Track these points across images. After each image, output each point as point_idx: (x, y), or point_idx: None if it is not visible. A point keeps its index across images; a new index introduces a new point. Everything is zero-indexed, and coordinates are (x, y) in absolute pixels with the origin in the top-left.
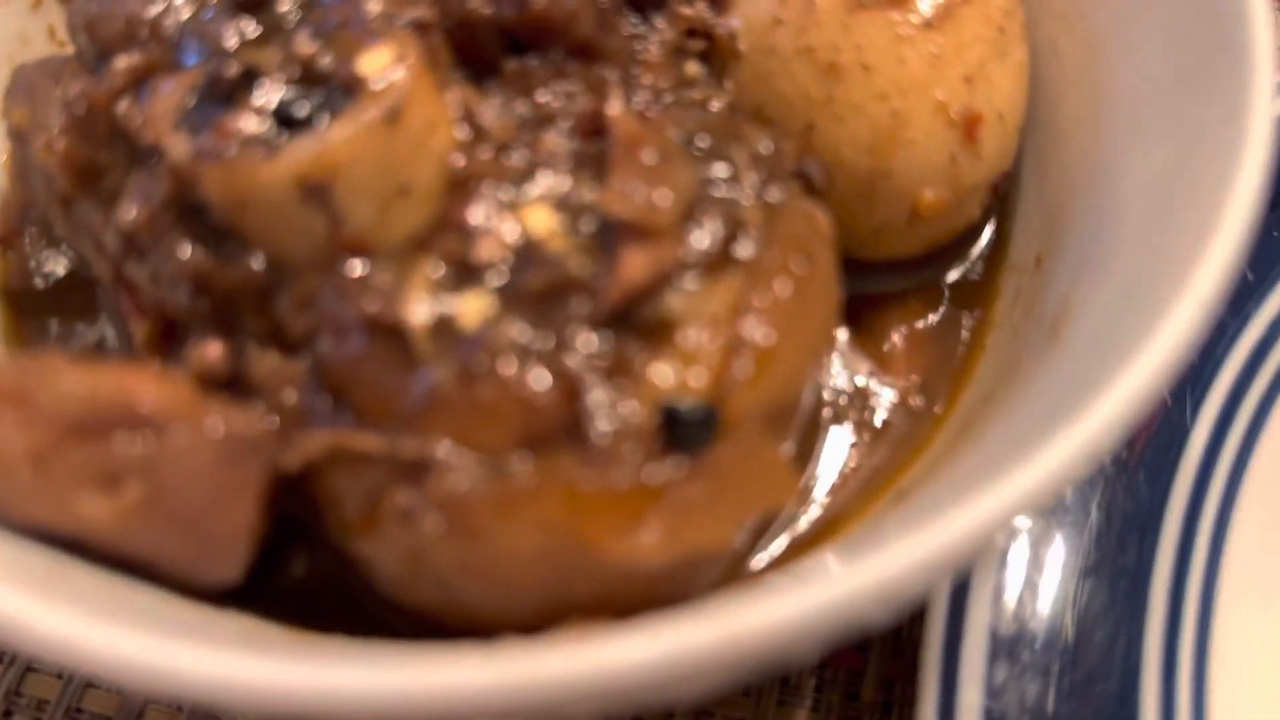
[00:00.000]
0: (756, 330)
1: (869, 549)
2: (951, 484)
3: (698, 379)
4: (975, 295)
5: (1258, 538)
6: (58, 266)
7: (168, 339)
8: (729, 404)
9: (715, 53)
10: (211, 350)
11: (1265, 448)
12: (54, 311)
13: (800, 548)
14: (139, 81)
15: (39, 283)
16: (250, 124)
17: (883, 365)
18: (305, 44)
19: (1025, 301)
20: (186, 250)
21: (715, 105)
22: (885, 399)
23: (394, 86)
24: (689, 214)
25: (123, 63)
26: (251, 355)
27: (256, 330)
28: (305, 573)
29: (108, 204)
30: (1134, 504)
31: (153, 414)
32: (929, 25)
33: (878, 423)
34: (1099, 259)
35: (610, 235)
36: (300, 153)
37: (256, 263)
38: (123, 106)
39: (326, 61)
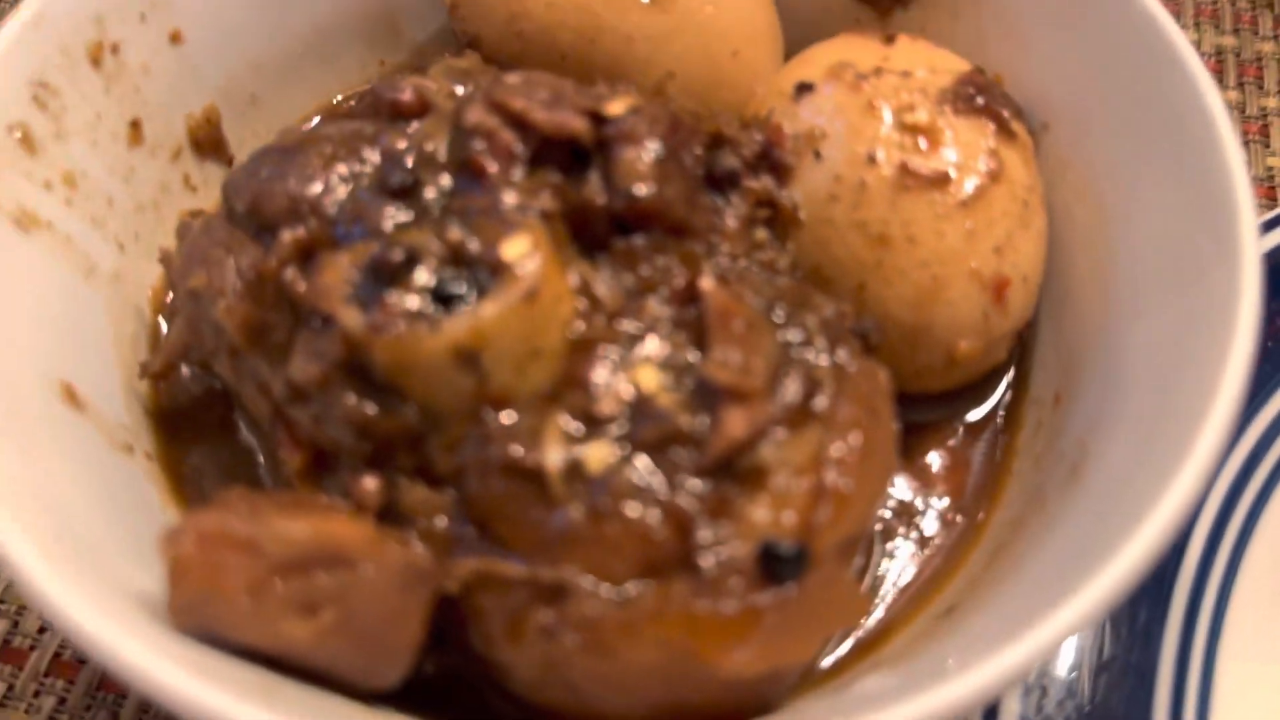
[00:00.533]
0: (836, 477)
1: (932, 676)
2: (1000, 612)
3: (789, 519)
4: (1002, 425)
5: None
6: (199, 394)
7: (318, 467)
8: (816, 542)
9: (778, 220)
10: (368, 484)
11: (1258, 547)
12: (194, 430)
13: (860, 652)
14: (302, 253)
15: (181, 406)
16: (412, 301)
17: (924, 485)
18: (455, 231)
19: (1046, 435)
20: (351, 401)
21: (782, 265)
22: (927, 516)
23: (532, 270)
24: (775, 375)
25: (288, 237)
26: (402, 487)
27: (406, 466)
28: (435, 670)
29: (273, 356)
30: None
31: (347, 552)
32: (964, 205)
33: (921, 538)
34: (1112, 412)
35: (710, 395)
36: (458, 327)
37: (412, 413)
38: (288, 275)
39: (473, 246)
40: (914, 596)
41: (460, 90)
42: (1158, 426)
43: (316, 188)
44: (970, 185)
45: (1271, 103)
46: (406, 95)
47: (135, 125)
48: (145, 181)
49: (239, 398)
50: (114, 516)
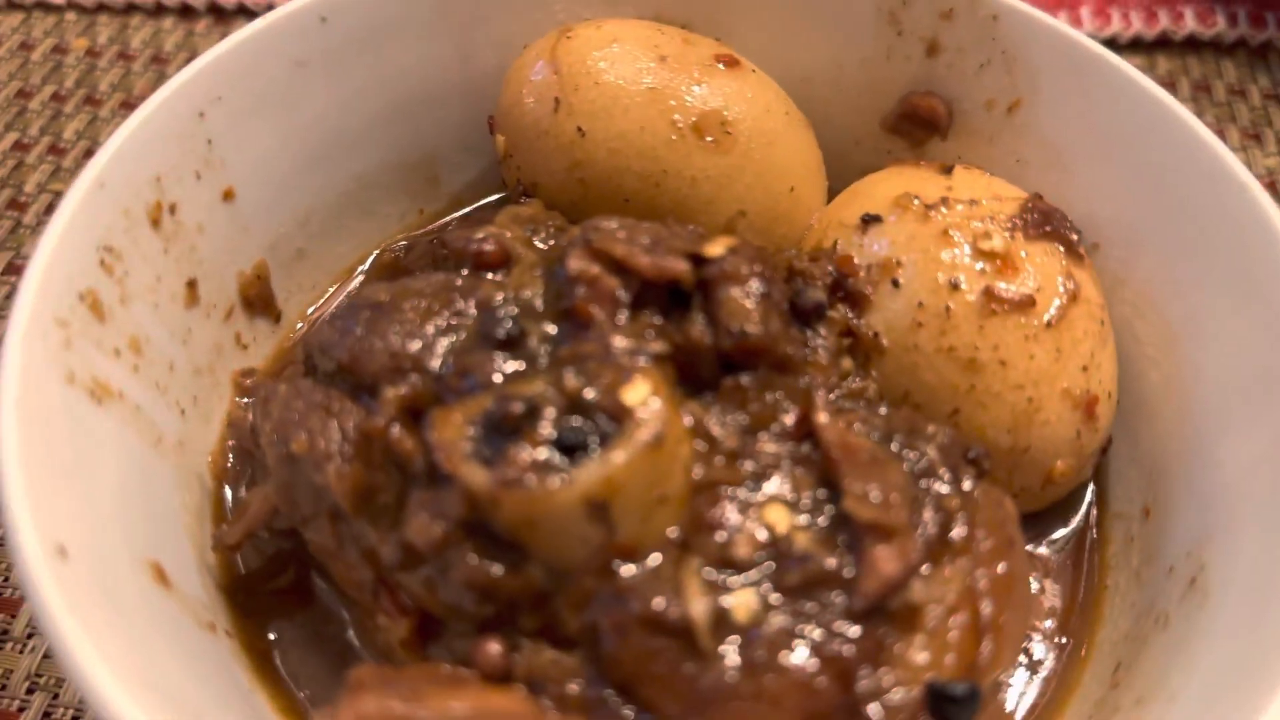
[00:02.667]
0: (991, 610)
1: None
2: None
3: (951, 660)
4: (1092, 543)
5: None
6: (269, 561)
7: (423, 634)
8: (982, 679)
9: (859, 349)
10: (492, 649)
11: None
12: (270, 601)
13: None
14: (406, 410)
15: (254, 576)
16: (537, 453)
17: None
18: (572, 379)
19: (1141, 548)
20: (474, 562)
21: (871, 394)
22: (1033, 641)
23: (656, 414)
24: (911, 508)
25: (391, 394)
26: (527, 650)
27: (528, 627)
28: None
29: (380, 519)
30: None
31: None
32: (1049, 326)
33: (1031, 663)
34: (1221, 525)
35: (850, 532)
36: (590, 476)
37: (537, 571)
38: (395, 433)
39: (592, 394)
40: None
41: (534, 238)
42: None
43: (417, 343)
44: (1054, 307)
45: None
46: (489, 245)
47: (191, 285)
48: (201, 342)
49: (329, 565)
50: (212, 698)
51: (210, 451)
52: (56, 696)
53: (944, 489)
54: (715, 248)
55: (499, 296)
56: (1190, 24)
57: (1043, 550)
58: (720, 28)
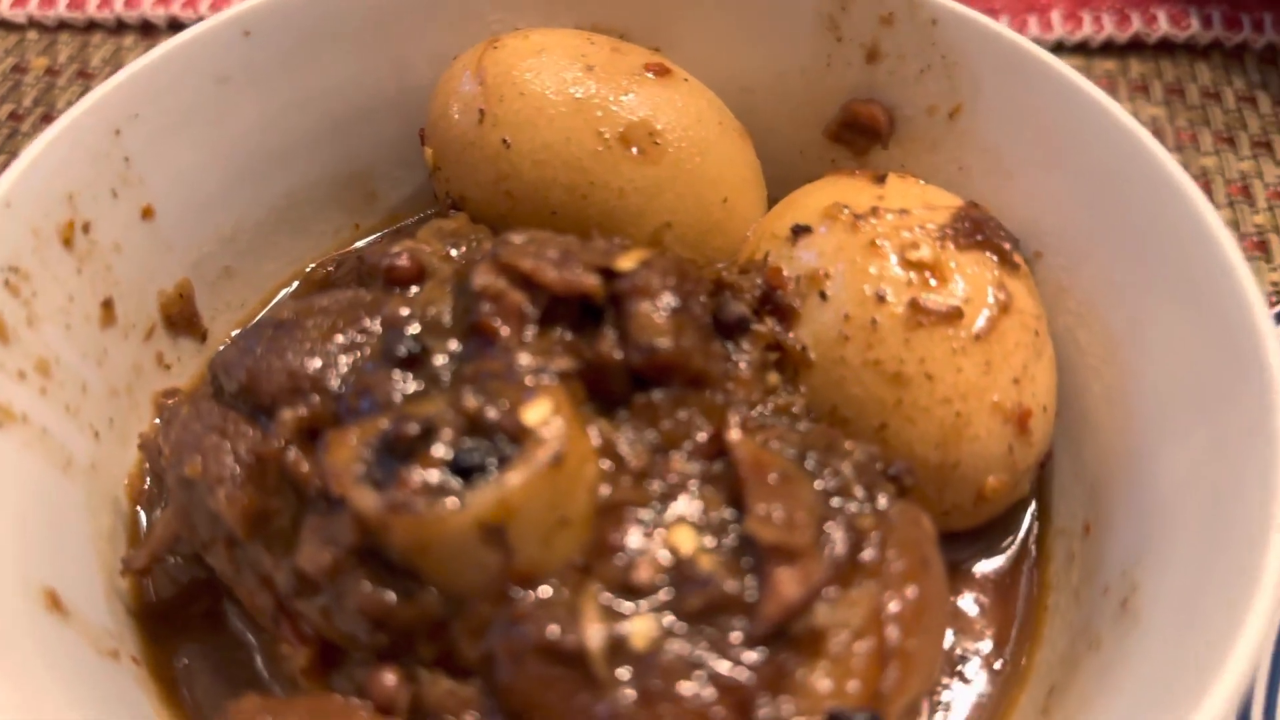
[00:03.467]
0: (899, 637)
1: None
2: None
3: (855, 687)
4: (1032, 560)
5: None
6: (183, 587)
7: (325, 663)
8: (886, 708)
9: (787, 363)
10: (388, 679)
11: None
12: (181, 627)
13: None
14: (303, 432)
15: (166, 603)
16: (431, 475)
17: (960, 629)
18: (471, 399)
19: (1081, 566)
20: (367, 589)
21: (797, 408)
22: (969, 662)
23: (556, 434)
24: (819, 528)
25: (289, 416)
26: (424, 681)
27: (426, 656)
28: None
29: (276, 545)
30: None
31: None
32: (978, 338)
33: (965, 685)
34: (1156, 543)
35: (755, 555)
36: (484, 499)
37: (432, 598)
38: (290, 456)
39: (492, 414)
40: None
41: (454, 252)
42: (1216, 559)
43: (317, 362)
44: (983, 318)
45: (1263, 219)
46: (403, 261)
47: (108, 305)
48: (118, 363)
49: (234, 591)
50: None
51: (128, 474)
52: None
53: (856, 508)
54: (626, 261)
55: (404, 313)
56: (1164, 26)
57: (983, 567)
58: (659, 37)
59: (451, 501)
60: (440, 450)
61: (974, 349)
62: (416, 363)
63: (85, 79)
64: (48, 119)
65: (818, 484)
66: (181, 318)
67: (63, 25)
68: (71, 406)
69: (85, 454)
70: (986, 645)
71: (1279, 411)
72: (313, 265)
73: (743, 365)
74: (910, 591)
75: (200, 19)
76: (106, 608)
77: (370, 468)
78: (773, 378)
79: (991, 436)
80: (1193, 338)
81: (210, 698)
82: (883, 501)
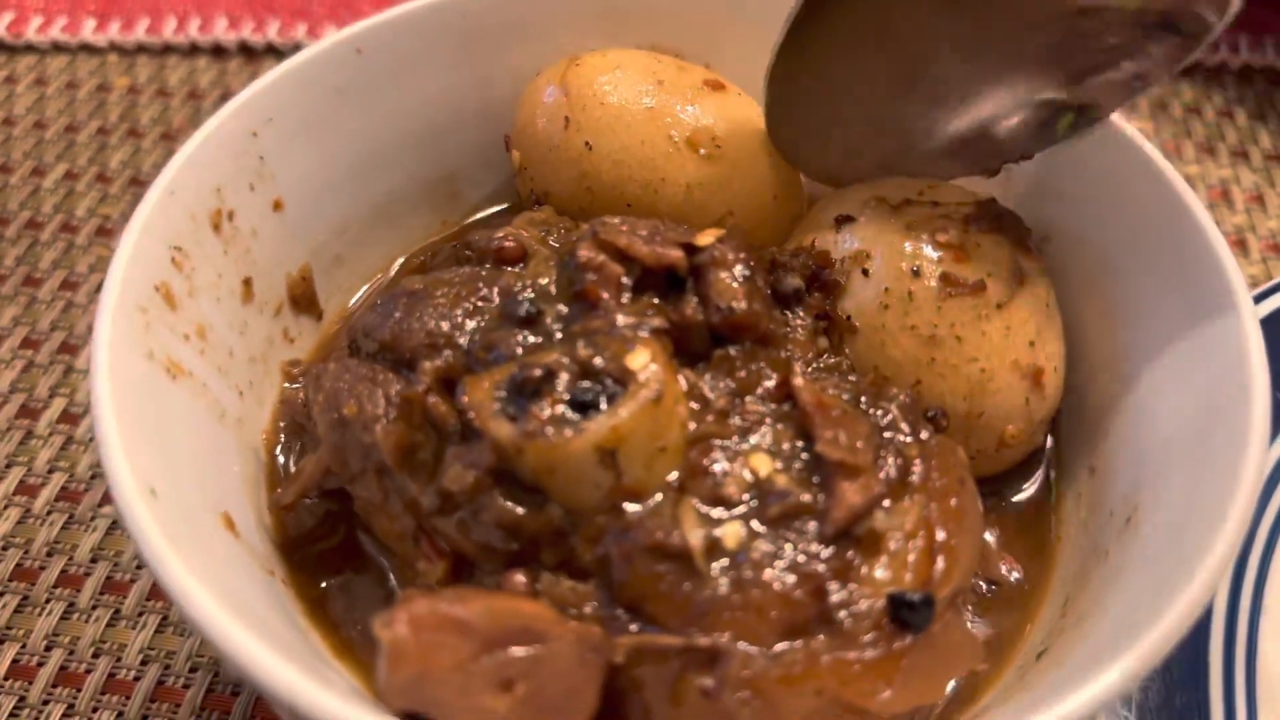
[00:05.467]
0: (944, 536)
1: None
2: (1087, 650)
3: (910, 576)
4: (1050, 502)
5: None
6: (317, 524)
7: (455, 575)
8: (936, 592)
9: (834, 329)
10: (518, 579)
11: None
12: (319, 557)
13: (964, 702)
14: (440, 380)
15: (304, 536)
16: (555, 410)
17: (987, 559)
18: (583, 348)
19: (1087, 503)
20: (501, 504)
21: (845, 367)
22: (1000, 585)
23: (655, 376)
24: (875, 453)
25: (429, 366)
26: (547, 582)
27: (549, 562)
28: None
29: (420, 473)
30: None
31: (538, 627)
32: (999, 307)
33: (998, 601)
34: (1153, 470)
35: (824, 472)
36: (600, 428)
37: (556, 511)
38: (432, 399)
39: (600, 361)
40: (1004, 647)
41: (548, 237)
42: (1201, 475)
43: (447, 323)
44: (1003, 290)
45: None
46: (509, 242)
47: (247, 283)
48: (256, 334)
49: (372, 519)
50: (279, 625)
51: (264, 430)
52: (169, 667)
53: (904, 438)
54: (706, 237)
55: (519, 284)
56: None
57: (1006, 508)
58: (709, 56)
59: (574, 429)
60: (561, 390)
61: (996, 316)
62: (534, 322)
63: (164, 97)
64: (133, 134)
65: (871, 420)
66: (303, 298)
67: (140, 49)
68: (222, 368)
69: (234, 408)
70: (1011, 572)
71: (1251, 361)
72: (408, 255)
73: (799, 330)
74: (951, 502)
75: (269, 42)
76: (259, 538)
77: (504, 404)
78: (823, 342)
79: (1011, 390)
80: (1178, 307)
81: (350, 615)
82: (924, 434)
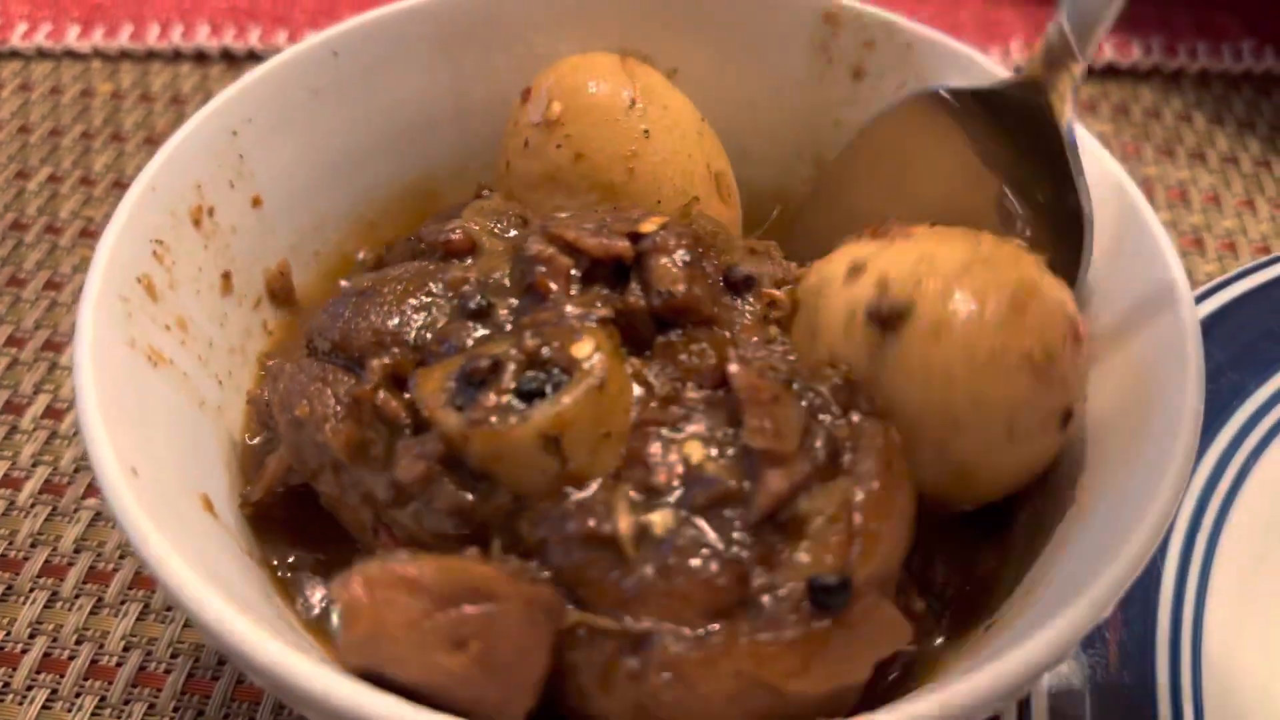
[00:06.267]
0: (864, 521)
1: (974, 668)
2: (1030, 618)
3: (829, 559)
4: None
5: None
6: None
7: None
8: (853, 574)
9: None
10: (469, 553)
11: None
12: (292, 544)
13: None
14: (389, 377)
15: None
16: (502, 400)
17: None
18: (530, 339)
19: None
20: (451, 491)
21: (790, 349)
22: (953, 570)
23: (599, 364)
24: (803, 438)
25: (376, 364)
26: (496, 557)
27: (497, 547)
28: None
29: (374, 467)
30: None
31: (489, 586)
32: None
33: (949, 585)
34: (1098, 454)
35: (751, 460)
36: (544, 415)
37: (504, 496)
38: (380, 396)
39: (547, 351)
40: (956, 625)
41: (496, 228)
42: (1140, 451)
43: (395, 320)
44: None
45: (1198, 220)
46: (458, 236)
47: (226, 277)
48: (234, 326)
49: (335, 510)
50: (258, 601)
51: (241, 419)
52: (150, 653)
53: (835, 422)
54: (648, 225)
55: (468, 277)
56: (1109, 54)
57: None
58: (676, 59)
59: (518, 417)
60: (509, 380)
61: None
62: (484, 315)
63: (148, 102)
64: (116, 138)
65: (803, 402)
66: (281, 292)
67: (124, 55)
68: (202, 358)
69: (213, 397)
70: (966, 557)
71: (1190, 337)
72: (363, 254)
73: (748, 317)
74: (874, 485)
75: (250, 49)
76: (236, 518)
77: (452, 395)
78: (773, 330)
79: None
80: (1122, 298)
81: (320, 589)
82: (855, 417)
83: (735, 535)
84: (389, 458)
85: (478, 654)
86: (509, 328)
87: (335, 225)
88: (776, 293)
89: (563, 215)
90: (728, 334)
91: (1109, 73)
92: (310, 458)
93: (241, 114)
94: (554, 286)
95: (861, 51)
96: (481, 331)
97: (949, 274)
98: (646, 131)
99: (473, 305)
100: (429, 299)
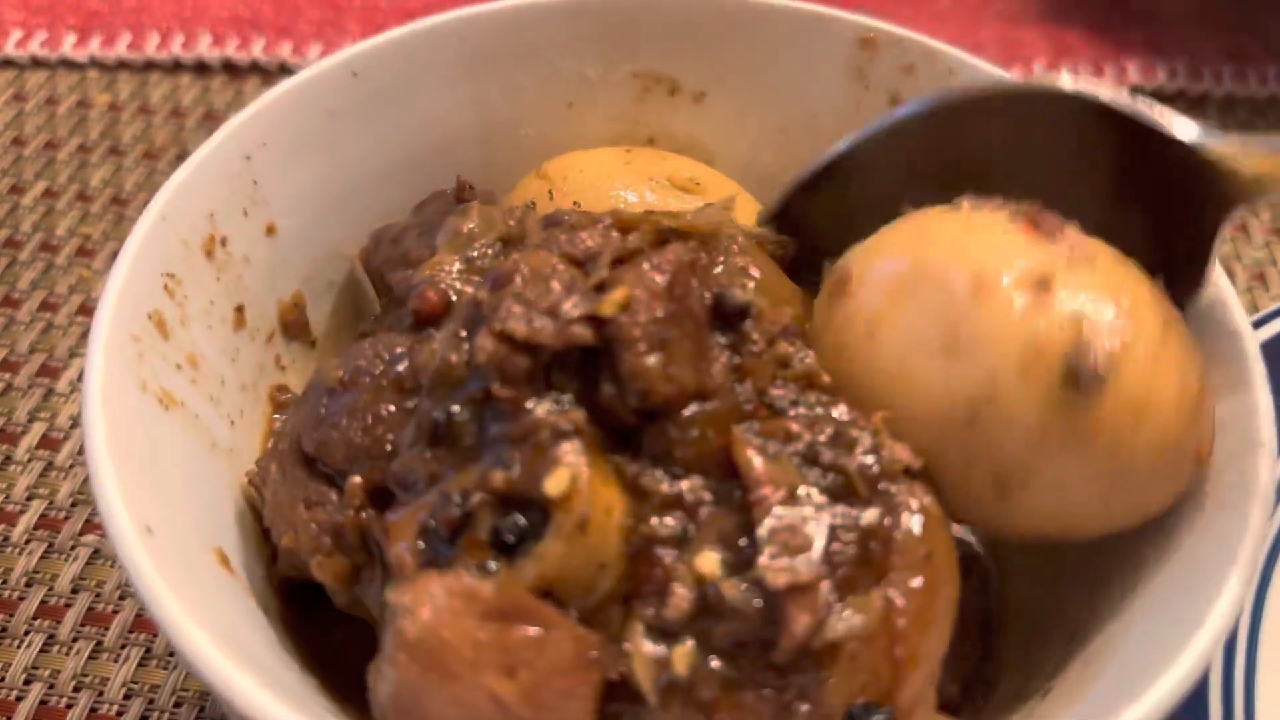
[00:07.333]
0: (908, 634)
1: None
2: (1097, 691)
3: (870, 687)
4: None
5: None
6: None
7: None
8: (898, 699)
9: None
10: None
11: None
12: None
13: None
14: (371, 493)
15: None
16: (479, 556)
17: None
18: (500, 476)
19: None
20: None
21: (815, 386)
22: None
23: (579, 505)
24: (828, 540)
25: (355, 484)
26: None
27: None
28: None
29: (366, 588)
30: None
31: (542, 616)
32: None
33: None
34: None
35: (770, 596)
36: (527, 575)
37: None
38: (364, 518)
39: (519, 486)
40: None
41: (470, 267)
42: (1212, 506)
43: (367, 431)
44: None
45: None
46: (430, 297)
47: (239, 310)
48: (247, 362)
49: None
50: (277, 666)
51: (255, 460)
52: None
53: (861, 512)
54: (609, 307)
55: (431, 379)
56: (1134, 77)
57: None
58: (707, 83)
59: (493, 582)
60: (482, 530)
61: None
62: (446, 437)
63: (146, 114)
64: (114, 151)
65: (826, 483)
66: (295, 325)
67: (121, 65)
68: (214, 397)
69: (225, 439)
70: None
71: (1258, 396)
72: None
73: (749, 351)
74: (914, 583)
75: (253, 60)
76: (252, 573)
77: (425, 554)
78: (783, 346)
79: None
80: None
81: (343, 652)
82: (892, 489)
83: (761, 675)
84: (385, 577)
85: (528, 684)
86: (473, 444)
87: (350, 252)
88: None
89: (512, 303)
90: (728, 398)
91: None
92: (310, 574)
93: (256, 138)
94: (512, 395)
95: (900, 78)
96: (449, 458)
97: (1153, 340)
98: None
99: (433, 422)
100: (398, 397)
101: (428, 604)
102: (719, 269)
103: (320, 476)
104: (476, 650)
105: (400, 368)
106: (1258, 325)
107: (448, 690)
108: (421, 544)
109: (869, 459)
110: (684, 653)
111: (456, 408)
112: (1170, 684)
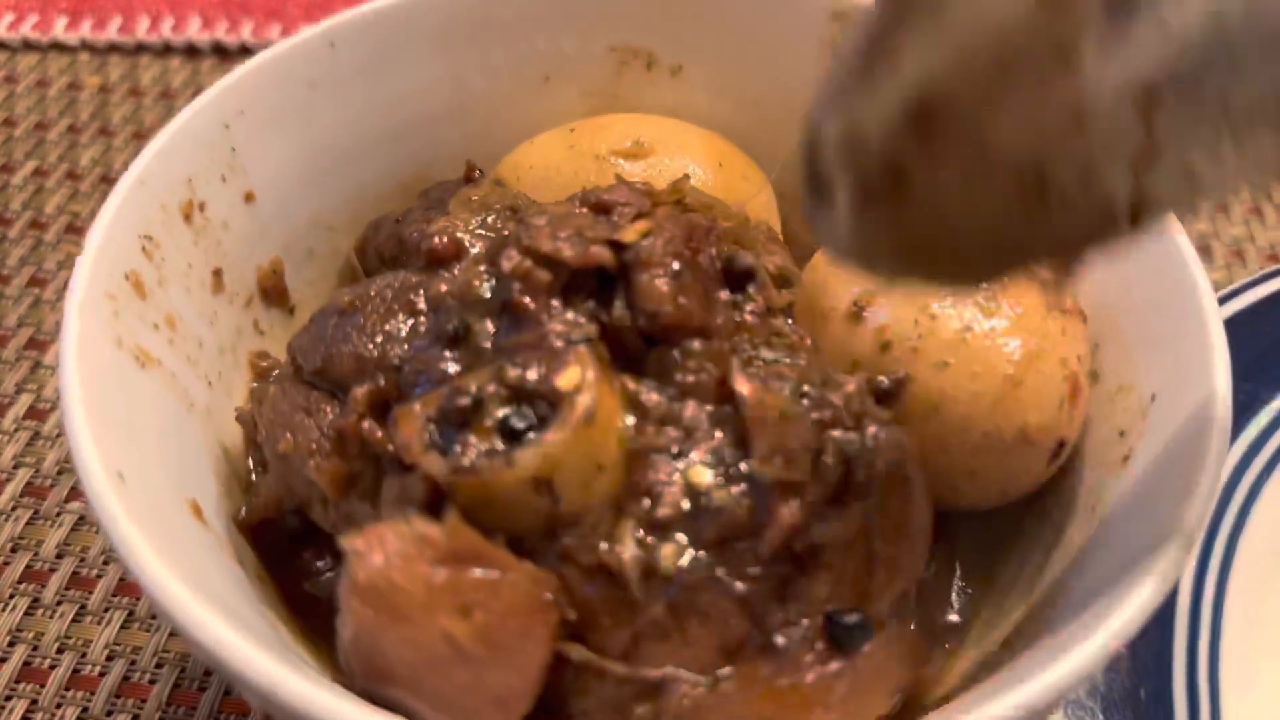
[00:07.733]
0: (882, 545)
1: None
2: (1052, 639)
3: (848, 592)
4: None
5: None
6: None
7: None
8: (872, 607)
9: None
10: None
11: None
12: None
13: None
14: (374, 405)
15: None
16: (485, 441)
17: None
18: (511, 371)
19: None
20: None
21: (804, 352)
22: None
23: (586, 395)
24: (815, 459)
25: (360, 394)
26: None
27: None
28: None
29: (365, 499)
30: None
31: (495, 558)
32: None
33: (961, 592)
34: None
35: (761, 490)
36: (531, 459)
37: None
38: (366, 427)
39: (531, 382)
40: (965, 640)
41: (483, 225)
42: (1166, 459)
43: (378, 345)
44: None
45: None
46: (443, 242)
47: (217, 274)
48: (225, 325)
49: (334, 533)
50: (249, 613)
51: (231, 422)
52: (134, 663)
53: (846, 436)
54: (629, 234)
55: (447, 294)
56: None
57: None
58: (683, 55)
59: (505, 460)
60: (490, 418)
61: None
62: (462, 340)
63: (136, 96)
64: (104, 132)
65: (814, 415)
66: (274, 291)
67: (112, 48)
68: (191, 358)
69: (202, 400)
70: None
71: (1214, 361)
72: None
73: (749, 313)
74: (892, 505)
75: (243, 42)
76: (225, 525)
77: (434, 437)
78: (778, 322)
79: None
80: (1144, 300)
81: (314, 600)
82: (870, 429)
83: (748, 570)
84: (379, 489)
85: (482, 625)
86: (489, 352)
87: (329, 222)
88: (777, 296)
89: (540, 220)
90: (727, 341)
91: None
92: (299, 489)
93: (235, 106)
94: (532, 305)
95: None
96: (460, 360)
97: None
98: None
99: (450, 329)
100: (413, 319)
101: (379, 549)
102: (737, 246)
103: (322, 392)
104: (430, 593)
105: (413, 295)
106: (1232, 296)
107: (402, 632)
108: (430, 428)
109: (854, 399)
110: (670, 550)
111: (474, 317)
112: (1117, 626)
